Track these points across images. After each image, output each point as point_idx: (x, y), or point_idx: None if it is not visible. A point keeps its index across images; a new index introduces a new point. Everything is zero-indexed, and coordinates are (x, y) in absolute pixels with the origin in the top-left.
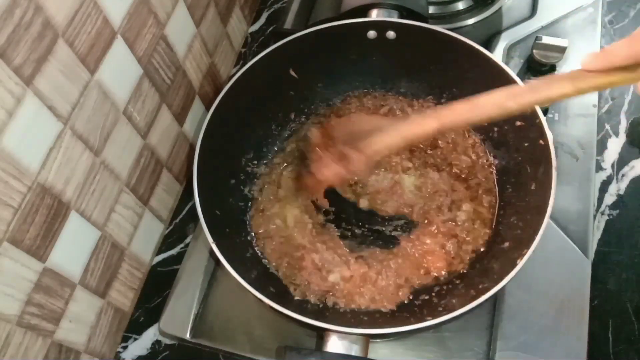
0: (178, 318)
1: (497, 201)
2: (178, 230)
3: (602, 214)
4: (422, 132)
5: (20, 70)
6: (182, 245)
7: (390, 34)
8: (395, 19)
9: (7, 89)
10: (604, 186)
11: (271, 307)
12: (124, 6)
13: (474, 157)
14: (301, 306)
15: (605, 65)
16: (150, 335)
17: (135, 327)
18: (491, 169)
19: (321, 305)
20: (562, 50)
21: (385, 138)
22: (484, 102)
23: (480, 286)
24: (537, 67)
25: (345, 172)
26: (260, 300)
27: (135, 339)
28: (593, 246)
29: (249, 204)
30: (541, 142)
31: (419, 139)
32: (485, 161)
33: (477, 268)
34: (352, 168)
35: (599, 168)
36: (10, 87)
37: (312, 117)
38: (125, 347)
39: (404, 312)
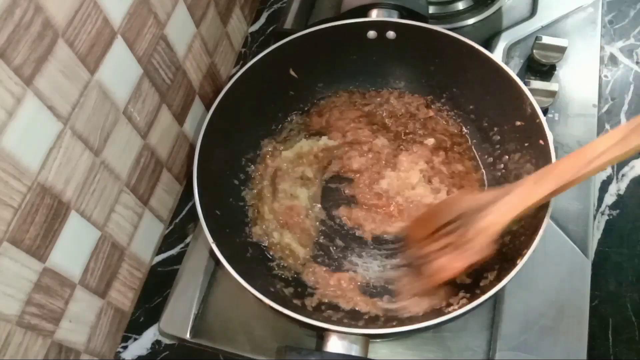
0: (178, 318)
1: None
2: (178, 230)
3: (602, 214)
4: (540, 197)
5: (20, 70)
6: (182, 245)
7: (390, 34)
8: (395, 19)
9: (7, 89)
10: (604, 186)
11: (271, 307)
12: (124, 6)
13: (473, 157)
14: (301, 306)
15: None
16: (150, 335)
17: (135, 327)
18: (491, 170)
19: (321, 305)
20: (562, 50)
21: (502, 211)
22: (592, 151)
23: (481, 286)
24: (537, 67)
25: (470, 261)
26: (260, 300)
27: (135, 339)
28: (593, 246)
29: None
30: (541, 142)
31: (537, 205)
32: (485, 161)
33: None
34: (476, 255)
35: None
36: (10, 87)
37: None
38: (125, 347)
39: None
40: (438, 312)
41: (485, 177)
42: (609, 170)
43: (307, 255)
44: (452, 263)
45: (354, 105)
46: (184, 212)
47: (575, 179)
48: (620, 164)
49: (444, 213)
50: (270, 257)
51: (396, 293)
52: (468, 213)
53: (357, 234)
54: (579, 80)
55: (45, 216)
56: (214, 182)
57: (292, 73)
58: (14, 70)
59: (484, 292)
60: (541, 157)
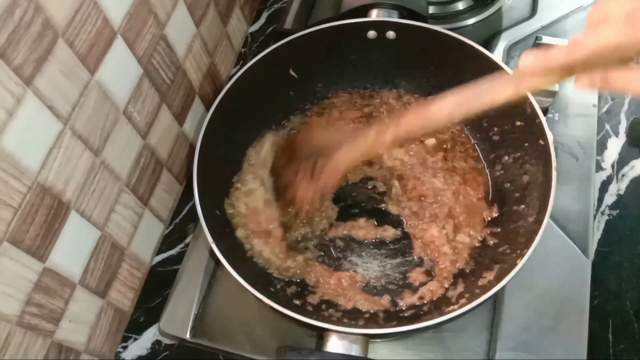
0: (178, 318)
1: (497, 201)
2: (178, 230)
3: (602, 214)
4: (381, 145)
5: (20, 70)
6: (182, 245)
7: (390, 34)
8: (395, 19)
9: (7, 89)
10: (604, 186)
11: (271, 307)
12: (124, 6)
13: (473, 157)
14: (301, 306)
15: (542, 69)
16: (150, 335)
17: (135, 327)
18: (491, 169)
19: (321, 305)
20: None
21: (350, 151)
22: (433, 110)
23: (480, 286)
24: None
25: (319, 189)
26: (260, 300)
27: (135, 339)
28: (593, 246)
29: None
30: (541, 142)
31: (381, 149)
32: (484, 161)
33: (477, 268)
34: (324, 184)
35: (599, 168)
36: (10, 87)
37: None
38: (125, 347)
39: (404, 311)
40: (438, 312)
41: (489, 177)
42: (609, 171)
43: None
44: (305, 195)
45: (354, 105)
46: (184, 212)
47: (415, 130)
48: (620, 164)
49: (310, 141)
50: None
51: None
52: (325, 151)
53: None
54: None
55: (45, 216)
56: (214, 182)
57: (292, 73)
58: (14, 70)
59: (484, 292)
60: (541, 157)
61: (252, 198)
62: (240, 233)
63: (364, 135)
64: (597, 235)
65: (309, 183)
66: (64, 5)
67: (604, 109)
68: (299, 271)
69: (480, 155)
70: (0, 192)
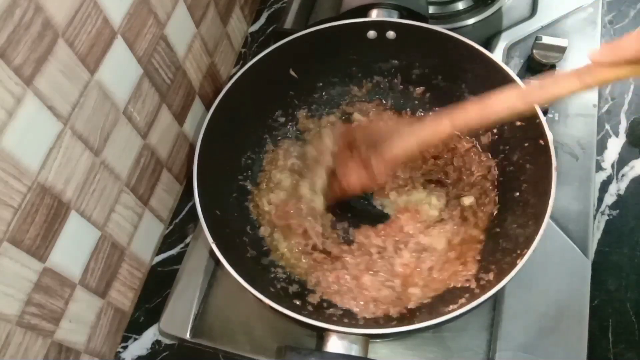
0: (178, 318)
1: (497, 201)
2: (178, 230)
3: (602, 214)
4: (437, 135)
5: (20, 70)
6: (182, 245)
7: (390, 34)
8: (395, 19)
9: (7, 89)
10: (604, 186)
11: (271, 307)
12: (124, 6)
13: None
14: (301, 306)
15: (614, 59)
16: (150, 335)
17: (135, 327)
18: (491, 170)
19: (321, 305)
20: (562, 50)
21: (402, 142)
22: (494, 102)
23: (481, 285)
24: (537, 67)
25: (368, 179)
26: (260, 300)
27: (135, 339)
28: (593, 246)
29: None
30: (541, 142)
31: (434, 142)
32: (484, 162)
33: (477, 268)
34: (373, 175)
35: (599, 168)
36: (10, 87)
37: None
38: (125, 347)
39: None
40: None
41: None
42: (609, 171)
43: (305, 267)
44: (353, 175)
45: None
46: (184, 212)
47: (473, 123)
48: (620, 164)
49: (368, 130)
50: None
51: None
52: (385, 135)
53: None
54: None
55: (45, 216)
56: (214, 182)
57: (292, 73)
58: (14, 70)
59: (484, 292)
60: (541, 157)
61: (276, 194)
62: (264, 231)
63: (421, 125)
64: (597, 235)
65: (363, 170)
66: (64, 5)
67: (604, 109)
68: (304, 271)
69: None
70: (0, 192)
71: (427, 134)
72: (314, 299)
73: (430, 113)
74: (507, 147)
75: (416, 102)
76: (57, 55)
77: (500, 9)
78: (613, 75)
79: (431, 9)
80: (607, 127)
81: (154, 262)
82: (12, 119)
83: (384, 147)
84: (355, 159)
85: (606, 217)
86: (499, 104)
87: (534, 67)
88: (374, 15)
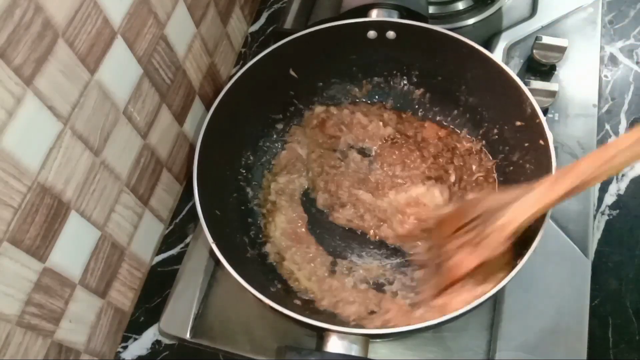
0: (178, 318)
1: None
2: (178, 230)
3: (602, 214)
4: (556, 196)
5: (20, 70)
6: (182, 245)
7: (390, 34)
8: (395, 19)
9: (7, 89)
10: (604, 186)
11: (271, 307)
12: (124, 6)
13: (474, 157)
14: (301, 306)
15: None
16: (150, 335)
17: (135, 327)
18: (491, 170)
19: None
20: (562, 50)
21: (519, 210)
22: (613, 154)
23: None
24: (537, 67)
25: (482, 258)
26: (260, 300)
27: (135, 339)
28: (593, 246)
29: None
30: (541, 142)
31: (555, 204)
32: (484, 161)
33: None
34: (488, 252)
35: None
36: (10, 87)
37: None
38: (125, 347)
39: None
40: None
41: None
42: None
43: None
44: (468, 259)
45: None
46: (184, 212)
47: (594, 177)
48: None
49: (467, 212)
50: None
51: (419, 292)
52: (488, 212)
53: (358, 232)
54: (579, 80)
55: (45, 216)
56: (214, 182)
57: (292, 73)
58: (14, 70)
59: (484, 292)
60: (541, 157)
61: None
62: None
63: (535, 188)
64: (597, 235)
65: (470, 249)
66: (64, 5)
67: (604, 109)
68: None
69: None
70: (0, 192)
71: (547, 197)
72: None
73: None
74: (507, 147)
75: (416, 102)
76: (57, 55)
77: (500, 9)
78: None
79: (431, 9)
80: (607, 127)
81: (154, 262)
82: (12, 119)
83: (499, 223)
84: (459, 245)
85: (606, 217)
86: (620, 153)
87: (534, 67)
88: (374, 15)
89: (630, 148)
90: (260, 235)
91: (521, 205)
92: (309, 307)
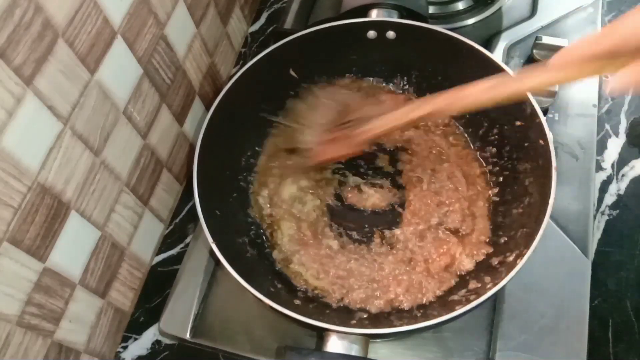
0: (178, 318)
1: (497, 201)
2: (178, 230)
3: (602, 214)
4: (416, 116)
5: (20, 70)
6: (182, 245)
7: (390, 34)
8: (395, 19)
9: (7, 89)
10: (604, 186)
11: (271, 307)
12: (124, 6)
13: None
14: (301, 306)
15: (574, 60)
16: (150, 335)
17: (135, 327)
18: (490, 169)
19: (321, 305)
20: None
21: (384, 120)
22: (472, 90)
23: (480, 286)
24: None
25: (346, 153)
26: (260, 300)
27: (136, 339)
28: (593, 246)
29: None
30: (541, 142)
31: (410, 124)
32: (484, 161)
33: (477, 268)
34: (352, 149)
35: (599, 168)
36: (10, 87)
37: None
38: (125, 347)
39: (404, 312)
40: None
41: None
42: (609, 170)
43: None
44: (331, 149)
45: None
46: (184, 212)
47: (444, 111)
48: (620, 164)
49: (349, 112)
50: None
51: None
52: (364, 118)
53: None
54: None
55: (45, 216)
56: (214, 182)
57: (292, 73)
58: (14, 70)
59: (484, 292)
60: (541, 157)
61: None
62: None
63: (402, 106)
64: (597, 235)
65: (342, 142)
66: (64, 5)
67: (604, 109)
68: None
69: (479, 157)
70: (0, 192)
71: (408, 115)
72: (315, 298)
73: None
74: (507, 148)
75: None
76: (57, 55)
77: (500, 9)
78: (576, 74)
79: (431, 9)
80: (607, 127)
81: (154, 262)
82: (12, 119)
83: (366, 127)
84: (335, 134)
85: (606, 217)
86: (477, 92)
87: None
88: (374, 15)
89: (482, 92)
90: (267, 244)
91: (385, 119)
92: (316, 305)
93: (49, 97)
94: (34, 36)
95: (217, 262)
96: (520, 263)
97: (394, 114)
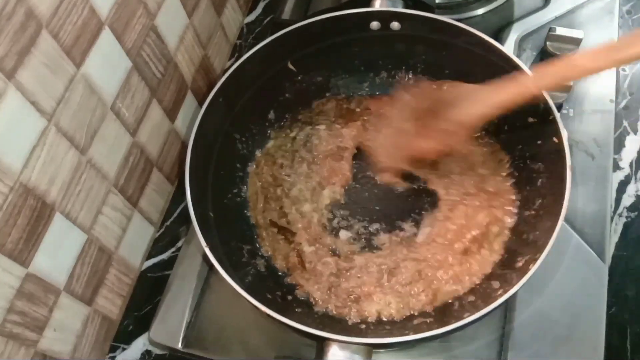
0: (169, 327)
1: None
2: (169, 234)
3: (620, 216)
4: (519, 97)
5: (2, 64)
6: (173, 249)
7: (395, 25)
8: (400, 9)
9: None
10: (622, 187)
11: (268, 315)
12: None
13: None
14: (300, 313)
15: None
16: (139, 345)
17: (123, 337)
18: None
19: (321, 312)
20: (577, 42)
21: (479, 107)
22: (580, 60)
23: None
24: (550, 59)
25: (444, 147)
26: (256, 307)
27: (124, 349)
28: (610, 250)
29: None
30: (555, 139)
31: (515, 104)
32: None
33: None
34: (450, 142)
35: (616, 167)
36: None
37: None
38: (113, 358)
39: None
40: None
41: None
42: (627, 170)
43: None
44: (429, 142)
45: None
46: (175, 214)
47: (556, 81)
48: (639, 164)
49: (437, 93)
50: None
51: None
52: (456, 98)
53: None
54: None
55: (28, 218)
56: (208, 183)
57: (291, 66)
58: None
59: (494, 299)
60: (555, 156)
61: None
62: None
63: (498, 87)
64: (615, 238)
65: (431, 139)
66: None
67: (622, 105)
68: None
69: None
70: None
71: (507, 96)
72: (316, 306)
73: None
74: (520, 145)
75: None
76: (40, 47)
77: None
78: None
79: None
80: (625, 123)
81: (143, 267)
82: None
83: (459, 113)
84: (428, 126)
85: (624, 220)
86: (585, 61)
87: (547, 60)
88: (377, 4)
89: (597, 57)
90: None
91: (479, 102)
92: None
93: (32, 91)
94: (16, 27)
95: (211, 267)
96: (533, 269)
97: (493, 94)
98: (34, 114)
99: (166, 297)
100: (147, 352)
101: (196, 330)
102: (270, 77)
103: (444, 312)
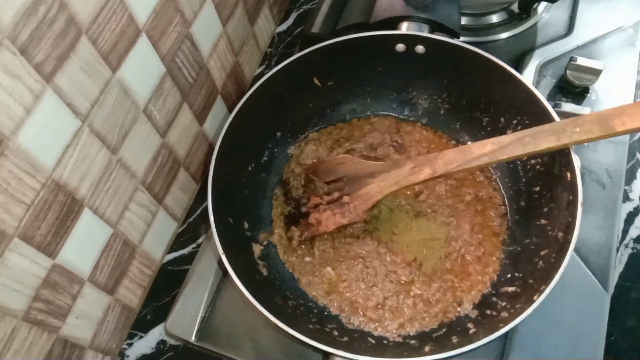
0: (184, 320)
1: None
2: (191, 230)
3: (626, 246)
4: (417, 180)
5: (41, 67)
6: (194, 245)
7: (420, 49)
8: (426, 34)
9: (26, 86)
10: (630, 218)
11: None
12: (151, 4)
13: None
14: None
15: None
16: (155, 334)
17: (141, 325)
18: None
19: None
20: (597, 73)
21: (382, 185)
22: (475, 150)
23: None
24: (569, 88)
25: (343, 222)
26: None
27: (141, 337)
28: (614, 280)
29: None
30: (568, 174)
31: (413, 185)
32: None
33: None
34: (350, 217)
35: (626, 198)
36: (30, 83)
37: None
38: (130, 344)
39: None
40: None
41: (507, 205)
42: (636, 202)
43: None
44: (330, 220)
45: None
46: (198, 212)
47: (450, 173)
48: None
49: (334, 169)
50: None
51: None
52: (352, 177)
53: None
54: (612, 105)
55: (58, 213)
56: (229, 188)
57: (316, 82)
58: (35, 67)
59: (497, 329)
60: (566, 188)
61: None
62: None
63: (399, 168)
64: (619, 268)
65: (333, 210)
66: (90, 1)
67: (636, 137)
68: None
69: (500, 184)
70: (13, 189)
71: (407, 179)
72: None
73: (413, 155)
74: (531, 174)
75: (442, 119)
76: (79, 53)
77: (535, 24)
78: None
79: (464, 20)
80: (638, 155)
81: (164, 261)
82: (30, 116)
83: (362, 190)
84: (325, 200)
85: (630, 251)
86: (479, 153)
87: (565, 88)
88: (404, 28)
89: (488, 151)
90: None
91: (383, 182)
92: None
93: (69, 94)
94: (57, 33)
95: (225, 272)
96: (538, 300)
97: (394, 175)
98: (69, 115)
99: (184, 290)
100: (162, 341)
101: (210, 325)
102: (296, 90)
103: (446, 336)
